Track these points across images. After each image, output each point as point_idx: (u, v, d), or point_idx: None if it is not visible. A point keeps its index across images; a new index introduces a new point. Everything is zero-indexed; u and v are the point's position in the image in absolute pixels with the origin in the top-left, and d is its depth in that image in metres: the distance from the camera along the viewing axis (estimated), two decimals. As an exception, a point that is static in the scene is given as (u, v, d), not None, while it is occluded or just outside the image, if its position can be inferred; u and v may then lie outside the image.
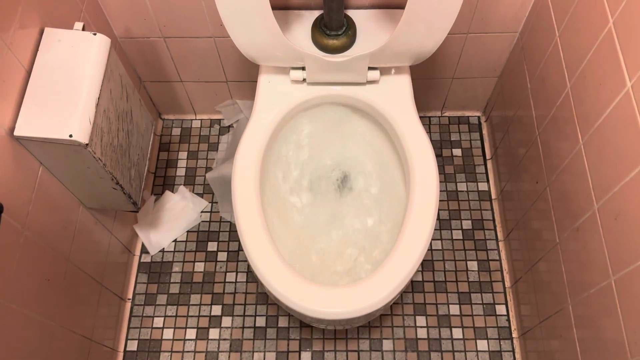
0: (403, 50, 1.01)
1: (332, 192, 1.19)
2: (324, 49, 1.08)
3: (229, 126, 1.53)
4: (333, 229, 1.15)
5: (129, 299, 1.32)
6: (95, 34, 0.95)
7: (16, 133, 0.85)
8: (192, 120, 1.54)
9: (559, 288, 1.04)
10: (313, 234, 1.14)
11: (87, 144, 0.88)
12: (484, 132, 1.50)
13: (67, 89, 0.89)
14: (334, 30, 1.07)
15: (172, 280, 1.33)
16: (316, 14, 1.12)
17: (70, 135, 0.86)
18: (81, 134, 0.87)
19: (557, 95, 1.02)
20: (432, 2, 0.90)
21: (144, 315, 1.30)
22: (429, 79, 1.40)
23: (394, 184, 1.15)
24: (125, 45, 1.28)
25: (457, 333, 1.26)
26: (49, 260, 0.96)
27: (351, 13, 1.11)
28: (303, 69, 1.07)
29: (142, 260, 1.36)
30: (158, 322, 1.29)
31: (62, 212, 1.02)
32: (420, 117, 1.51)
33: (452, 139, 1.49)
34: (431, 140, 1.47)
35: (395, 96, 1.09)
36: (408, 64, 1.07)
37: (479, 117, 1.52)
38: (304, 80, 1.09)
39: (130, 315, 1.30)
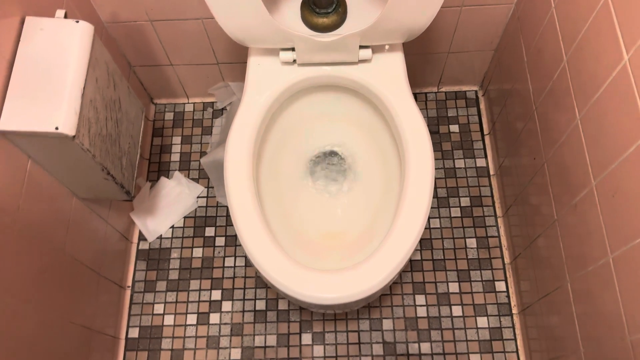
0: (395, 26, 0.99)
1: (329, 175, 1.18)
2: (314, 27, 1.06)
3: (222, 109, 1.51)
4: (330, 211, 1.14)
5: (129, 287, 1.32)
6: (77, 22, 0.92)
7: (0, 127, 0.83)
8: (184, 104, 1.52)
9: (558, 264, 1.03)
10: (310, 217, 1.13)
11: (74, 136, 0.86)
12: (482, 106, 1.48)
13: (51, 80, 0.87)
14: (323, 8, 1.04)
15: (171, 267, 1.33)
16: (304, -9, 1.09)
17: (56, 128, 0.84)
18: (67, 126, 0.85)
19: (554, 68, 1.00)
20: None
21: (144, 302, 1.30)
22: (424, 54, 1.37)
23: (391, 164, 1.13)
24: (113, 30, 1.25)
25: (457, 311, 1.26)
26: (43, 253, 0.95)
27: (341, -11, 1.08)
28: (293, 49, 1.05)
29: (140, 248, 1.35)
30: (158, 308, 1.29)
31: (55, 204, 1.01)
32: (417, 94, 1.49)
33: (449, 115, 1.47)
34: (428, 116, 1.45)
35: (388, 75, 1.06)
36: (401, 41, 1.05)
37: (476, 92, 1.50)
38: (295, 61, 1.06)
39: (131, 303, 1.30)
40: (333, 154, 1.19)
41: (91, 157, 0.93)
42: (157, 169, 1.44)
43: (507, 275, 1.29)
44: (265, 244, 0.93)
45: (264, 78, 1.07)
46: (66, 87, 0.87)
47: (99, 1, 1.17)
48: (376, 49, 1.07)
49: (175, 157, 1.46)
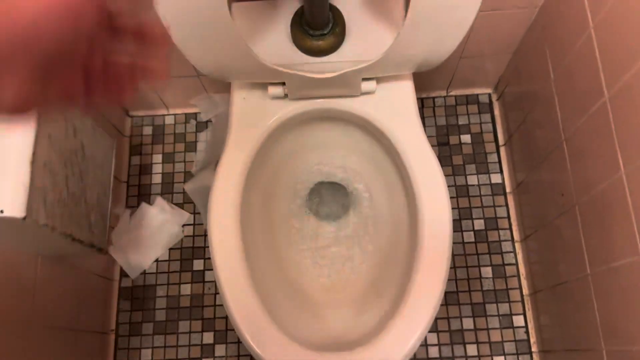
0: (406, 60, 0.83)
1: (328, 214, 1.04)
2: (307, 51, 0.90)
3: (207, 121, 1.35)
4: (331, 259, 1.01)
5: (113, 330, 1.20)
6: (21, 69, 0.76)
7: None
8: (164, 115, 1.36)
9: (589, 324, 0.91)
10: (308, 267, 1.00)
11: (24, 217, 0.72)
12: (496, 112, 1.32)
13: (-9, 148, 0.73)
14: (318, 30, 0.88)
15: (157, 306, 1.21)
16: (294, 4, 0.92)
17: (1, 211, 0.70)
18: (15, 207, 0.71)
19: (590, 102, 0.85)
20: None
21: (130, 347, 1.19)
22: (432, 60, 1.20)
23: (397, 201, 1.00)
24: (73, 47, 1.08)
25: (472, 350, 1.15)
26: (4, 341, 0.83)
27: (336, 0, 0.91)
28: (284, 83, 0.89)
29: (122, 285, 1.23)
30: (146, 354, 1.18)
31: (15, 273, 0.87)
32: (424, 98, 1.33)
33: (459, 123, 1.31)
34: (436, 125, 1.30)
35: (396, 108, 0.91)
36: (412, 72, 0.89)
37: (489, 95, 1.34)
38: (286, 95, 0.91)
39: (116, 349, 1.19)
40: (332, 189, 1.05)
41: (50, 230, 0.79)
42: (137, 193, 1.30)
43: (526, 309, 1.18)
44: (260, 324, 0.81)
45: (251, 115, 0.92)
46: (10, 156, 0.72)
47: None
48: (382, 78, 0.91)
49: (157, 179, 1.31)
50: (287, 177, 1.05)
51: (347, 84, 0.87)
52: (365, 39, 0.90)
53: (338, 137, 1.03)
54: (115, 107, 1.29)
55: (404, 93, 0.91)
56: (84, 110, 0.35)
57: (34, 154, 0.75)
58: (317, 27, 0.88)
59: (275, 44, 0.90)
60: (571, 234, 0.95)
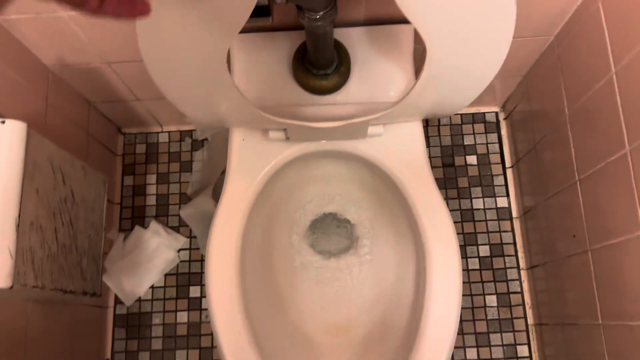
0: (417, 112, 0.78)
1: (330, 250, 1.01)
2: (309, 89, 0.85)
3: (203, 140, 1.29)
4: (334, 298, 0.98)
5: (108, 359, 1.17)
6: (3, 122, 0.71)
7: None
8: (158, 133, 1.30)
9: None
10: (310, 306, 0.97)
11: (11, 287, 0.68)
12: (503, 132, 1.28)
13: (-26, 212, 0.68)
14: (322, 69, 0.83)
15: (153, 335, 1.18)
16: (296, 38, 0.86)
17: (-14, 283, 0.66)
18: (0, 277, 0.67)
19: (609, 150, 0.81)
20: (462, 55, 0.66)
21: (126, 378, 1.17)
22: (439, 82, 1.15)
23: (403, 237, 0.96)
24: (61, 73, 1.02)
25: (475, 382, 1.14)
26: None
27: (341, 34, 0.86)
28: (285, 128, 0.84)
29: (117, 312, 1.20)
30: (143, 384, 1.16)
31: (6, 319, 0.84)
32: (428, 117, 1.28)
33: (465, 143, 1.27)
34: (441, 145, 1.26)
35: (404, 152, 0.86)
36: (421, 118, 0.84)
37: (496, 114, 1.29)
38: (288, 138, 0.86)
39: (111, 379, 1.17)
40: (334, 223, 1.01)
41: (40, 290, 0.75)
42: (131, 215, 1.26)
43: (531, 339, 1.16)
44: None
45: (251, 157, 0.87)
46: (-5, 221, 0.68)
47: (39, 47, 0.93)
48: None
49: (151, 200, 1.26)
50: (287, 211, 1.01)
51: (353, 131, 0.82)
52: (371, 78, 0.85)
53: (341, 170, 0.98)
54: (108, 125, 1.23)
55: (412, 135, 0.86)
56: (93, 13, 0.37)
57: (20, 216, 0.70)
58: (321, 66, 0.82)
59: (275, 80, 0.85)
60: (582, 278, 0.92)
